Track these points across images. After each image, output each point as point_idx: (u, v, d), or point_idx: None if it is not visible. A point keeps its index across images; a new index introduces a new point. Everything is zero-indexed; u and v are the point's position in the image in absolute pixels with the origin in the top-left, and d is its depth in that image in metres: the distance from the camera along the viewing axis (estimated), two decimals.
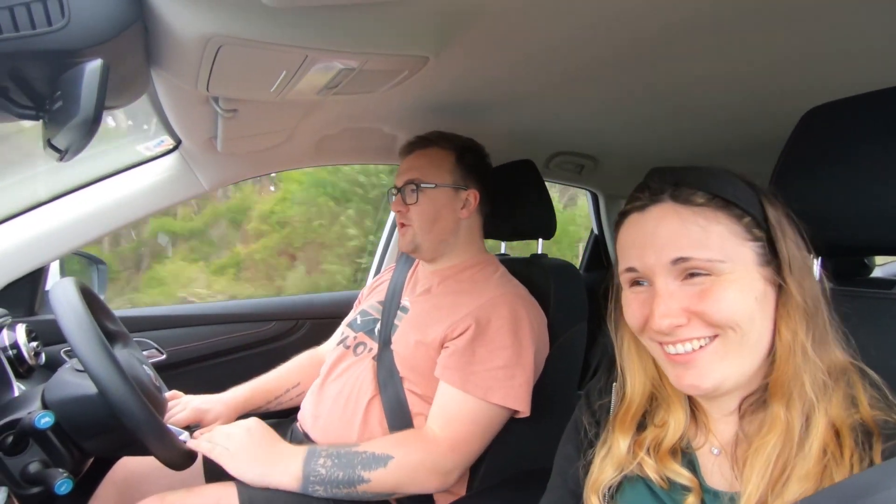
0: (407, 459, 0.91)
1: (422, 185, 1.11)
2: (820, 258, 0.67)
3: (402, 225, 1.14)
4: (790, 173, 0.67)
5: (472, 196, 1.14)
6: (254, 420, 0.98)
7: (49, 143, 0.57)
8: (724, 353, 0.53)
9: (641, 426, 0.62)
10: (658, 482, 0.58)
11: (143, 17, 0.57)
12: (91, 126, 0.50)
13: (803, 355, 0.51)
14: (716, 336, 0.53)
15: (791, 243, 0.54)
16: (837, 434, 0.49)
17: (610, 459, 0.61)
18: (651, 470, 0.58)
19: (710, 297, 0.52)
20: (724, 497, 0.54)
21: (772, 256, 0.54)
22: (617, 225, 0.61)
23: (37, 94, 0.55)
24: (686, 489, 0.56)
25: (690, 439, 0.60)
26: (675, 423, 0.60)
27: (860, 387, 0.51)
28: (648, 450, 0.59)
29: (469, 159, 1.16)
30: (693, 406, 0.62)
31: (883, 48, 0.79)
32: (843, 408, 0.50)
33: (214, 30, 0.56)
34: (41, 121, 0.57)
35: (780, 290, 0.54)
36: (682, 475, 0.57)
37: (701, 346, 0.53)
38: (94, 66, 0.48)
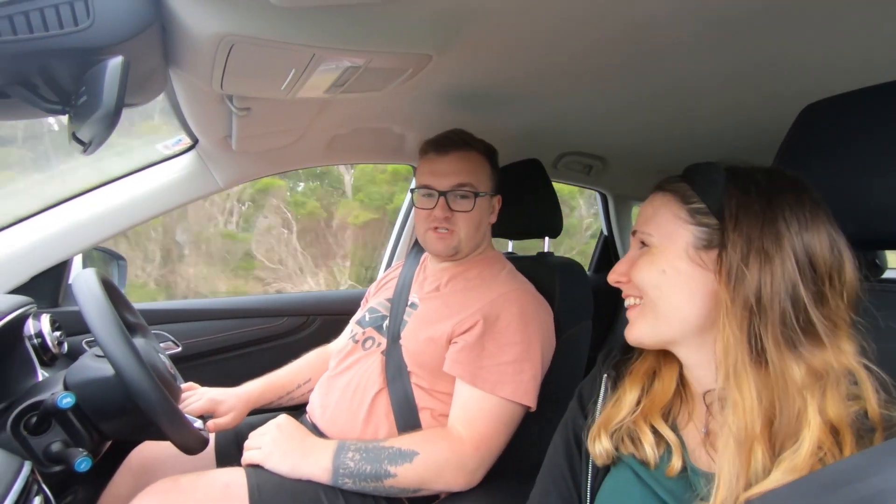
0: (433, 456, 0.94)
1: (479, 194, 1.10)
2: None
3: (444, 229, 1.09)
4: (788, 167, 0.68)
5: (497, 201, 1.18)
6: (283, 416, 1.03)
7: (74, 136, 0.61)
8: (642, 313, 0.62)
9: (643, 393, 0.67)
10: (651, 455, 0.60)
11: (161, 17, 0.61)
12: (112, 119, 0.54)
13: (734, 339, 0.54)
14: (640, 298, 0.63)
15: (739, 237, 0.55)
16: (837, 433, 0.49)
17: (619, 405, 0.65)
18: (647, 441, 0.61)
19: (637, 265, 0.63)
20: (706, 476, 0.56)
21: (718, 242, 0.57)
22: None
23: (63, 90, 0.59)
24: (670, 459, 0.59)
25: (675, 417, 0.63)
26: (662, 389, 0.65)
27: (868, 384, 0.51)
28: (644, 417, 0.63)
29: (495, 163, 1.18)
30: (682, 386, 0.65)
31: (883, 46, 0.80)
32: (842, 406, 0.50)
33: (227, 28, 0.59)
34: (67, 115, 0.61)
35: (729, 276, 0.55)
36: (670, 437, 0.60)
37: (634, 304, 0.64)
38: (115, 63, 0.52)
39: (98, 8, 0.54)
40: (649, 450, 0.60)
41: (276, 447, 0.96)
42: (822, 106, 0.67)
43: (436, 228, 1.10)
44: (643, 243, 0.64)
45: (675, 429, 0.62)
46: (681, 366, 0.65)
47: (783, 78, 0.94)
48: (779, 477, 0.49)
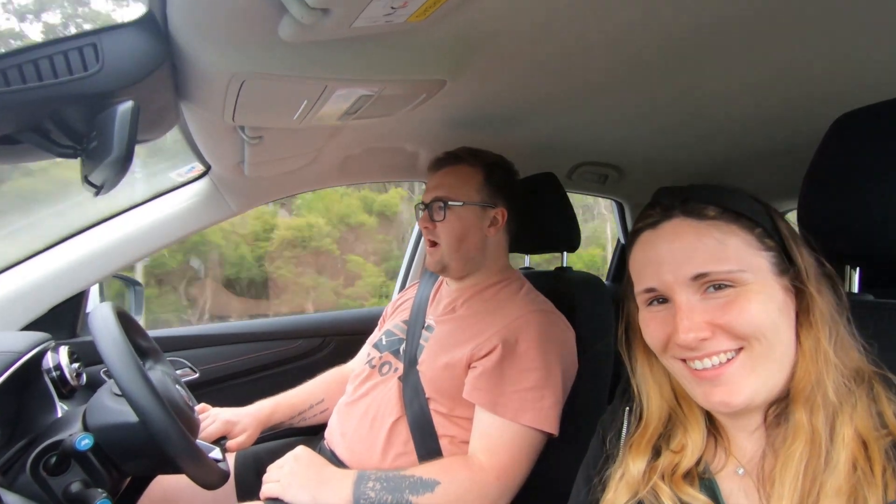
0: (454, 486, 0.92)
1: (449, 203, 1.10)
2: (857, 269, 0.65)
3: (431, 244, 1.13)
4: (821, 181, 0.65)
5: (500, 214, 1.14)
6: (301, 448, 1.01)
7: (86, 179, 0.60)
8: (753, 366, 0.51)
9: (657, 452, 0.60)
10: None
11: (171, 56, 0.60)
12: (124, 164, 0.53)
13: (826, 361, 0.51)
14: (741, 349, 0.52)
15: (804, 251, 0.55)
16: (866, 448, 0.48)
17: (624, 483, 0.60)
18: (666, 497, 0.56)
19: (735, 309, 0.51)
20: None
21: (787, 265, 0.54)
22: (628, 245, 0.61)
23: (74, 134, 0.59)
24: None
25: (709, 463, 0.58)
26: (692, 445, 0.58)
27: (884, 398, 0.50)
28: (663, 476, 0.58)
29: (498, 176, 1.15)
30: (712, 427, 0.60)
31: None
32: (869, 418, 0.49)
33: (237, 67, 0.58)
34: (79, 158, 0.61)
35: (799, 298, 0.54)
36: (698, 499, 0.55)
37: (728, 360, 0.52)
38: (125, 108, 0.51)
39: (107, 52, 0.53)
40: None
41: (295, 479, 0.95)
42: (858, 116, 0.64)
43: (429, 243, 1.14)
44: (712, 286, 0.52)
45: (706, 474, 0.58)
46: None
47: (803, 86, 0.91)
48: (832, 501, 0.46)
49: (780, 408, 0.53)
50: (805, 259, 0.54)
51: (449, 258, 1.11)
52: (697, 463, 0.58)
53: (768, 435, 0.55)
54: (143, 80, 0.57)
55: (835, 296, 0.54)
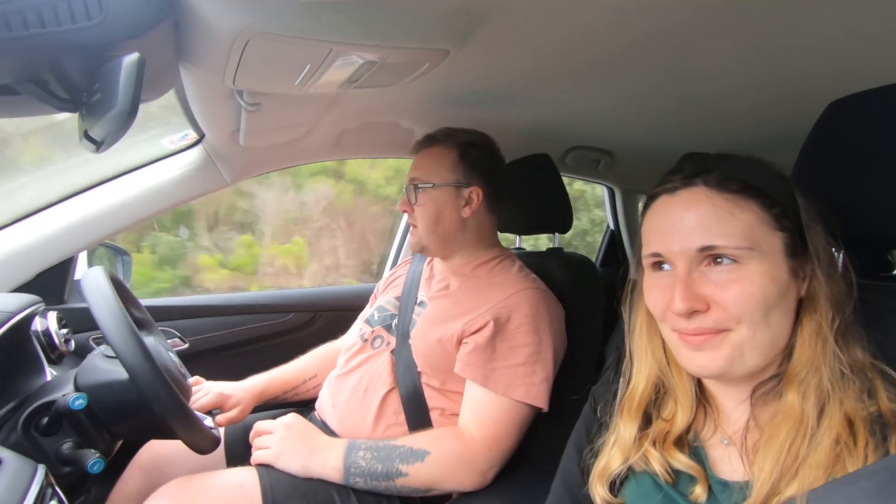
0: (444, 456, 0.93)
1: (420, 186, 1.11)
2: (843, 252, 0.67)
3: (413, 225, 1.15)
4: (812, 165, 0.67)
5: (475, 193, 1.11)
6: (292, 415, 1.02)
7: (86, 135, 0.59)
8: (738, 342, 0.53)
9: (648, 421, 0.62)
10: (663, 475, 0.58)
11: (175, 12, 0.59)
12: (128, 118, 0.52)
13: (824, 347, 0.52)
14: (729, 329, 0.53)
15: (820, 235, 0.54)
16: (851, 424, 0.49)
17: (617, 448, 0.62)
18: (656, 462, 0.58)
19: (733, 288, 0.52)
20: (734, 487, 0.54)
21: (800, 248, 0.54)
22: (645, 207, 0.61)
23: (74, 87, 0.58)
24: (692, 480, 0.57)
25: (698, 431, 0.60)
26: (682, 413, 0.60)
27: (879, 381, 0.51)
28: (654, 442, 0.60)
29: (473, 155, 1.12)
30: (703, 397, 0.62)
31: None
32: (859, 400, 0.50)
33: (244, 24, 0.57)
34: (78, 113, 0.60)
35: (806, 281, 0.54)
36: (687, 464, 0.57)
37: (717, 332, 0.53)
38: (131, 60, 0.50)
39: (110, 3, 0.52)
40: (664, 472, 0.58)
41: (286, 446, 0.96)
42: (849, 102, 0.65)
43: (412, 225, 1.15)
44: (717, 258, 0.53)
45: (696, 441, 0.60)
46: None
47: (797, 69, 0.91)
48: (807, 473, 0.48)
49: (771, 385, 0.55)
50: (819, 243, 0.54)
51: (427, 240, 1.12)
52: (688, 431, 0.60)
53: (753, 409, 0.56)
54: (145, 35, 0.56)
55: (844, 283, 0.54)
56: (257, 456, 0.97)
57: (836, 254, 0.58)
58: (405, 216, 1.79)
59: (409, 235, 1.67)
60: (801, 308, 0.54)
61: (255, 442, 1.00)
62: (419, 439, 0.96)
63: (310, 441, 0.97)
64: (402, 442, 0.95)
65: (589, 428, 0.71)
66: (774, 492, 0.49)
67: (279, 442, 0.96)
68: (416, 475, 0.91)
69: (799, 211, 0.54)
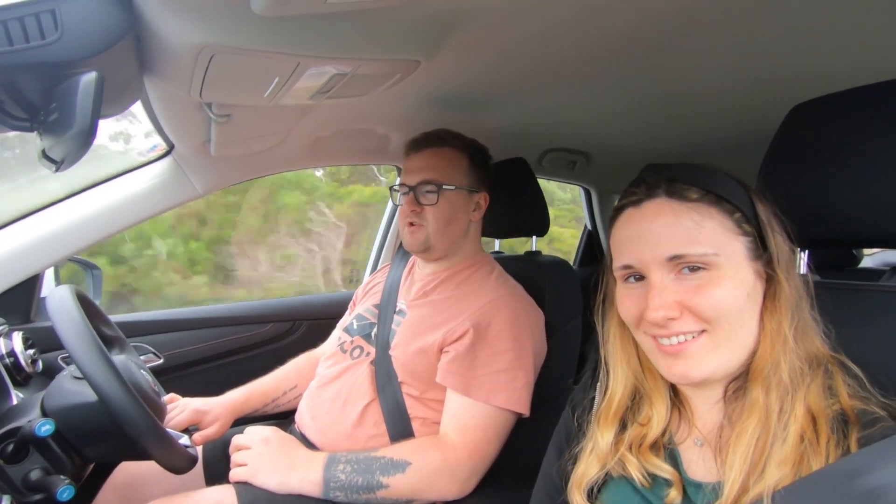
0: (425, 466, 0.93)
1: (444, 187, 1.09)
2: (807, 251, 0.69)
3: (412, 224, 1.12)
4: (777, 167, 0.68)
5: (483, 199, 1.16)
6: (270, 429, 0.99)
7: (44, 155, 0.57)
8: (714, 346, 0.54)
9: (624, 426, 0.63)
10: (640, 480, 0.59)
11: (136, 27, 0.58)
12: (87, 138, 0.51)
13: (783, 344, 0.54)
14: (704, 330, 0.55)
15: (779, 238, 0.57)
16: (815, 422, 0.51)
17: (594, 456, 0.63)
18: (633, 467, 0.59)
19: (703, 293, 0.54)
20: (706, 488, 0.55)
21: (761, 251, 0.56)
22: (612, 220, 0.63)
23: (31, 106, 0.56)
24: (668, 483, 0.58)
25: (673, 434, 0.62)
26: (657, 417, 0.61)
27: (839, 377, 0.53)
28: (630, 447, 0.61)
29: (479, 161, 1.16)
30: (677, 399, 0.63)
31: (873, 40, 0.80)
32: (822, 396, 0.52)
33: (207, 39, 0.56)
34: (35, 132, 0.58)
35: (768, 282, 0.57)
36: (663, 468, 0.58)
37: (693, 338, 0.55)
38: (88, 79, 0.49)
39: (67, 20, 0.50)
40: (641, 477, 0.59)
41: (264, 463, 0.93)
42: (812, 105, 0.67)
43: (410, 224, 1.12)
44: (686, 266, 0.54)
45: (670, 444, 0.61)
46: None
47: (766, 70, 0.94)
48: (774, 471, 0.50)
49: (738, 384, 0.57)
50: (779, 245, 0.56)
51: (436, 241, 1.11)
52: (663, 434, 0.61)
53: (727, 408, 0.58)
54: (105, 51, 0.54)
55: (801, 281, 0.57)
56: (234, 473, 0.95)
57: (797, 253, 0.61)
58: (385, 220, 1.80)
59: (398, 237, 1.66)
60: (763, 307, 0.56)
61: (233, 458, 0.98)
62: (400, 450, 0.95)
63: (288, 456, 0.95)
64: (382, 453, 0.95)
65: (568, 433, 0.72)
66: (744, 490, 0.51)
67: (256, 458, 0.94)
68: (398, 486, 0.91)
69: (758, 215, 0.57)
